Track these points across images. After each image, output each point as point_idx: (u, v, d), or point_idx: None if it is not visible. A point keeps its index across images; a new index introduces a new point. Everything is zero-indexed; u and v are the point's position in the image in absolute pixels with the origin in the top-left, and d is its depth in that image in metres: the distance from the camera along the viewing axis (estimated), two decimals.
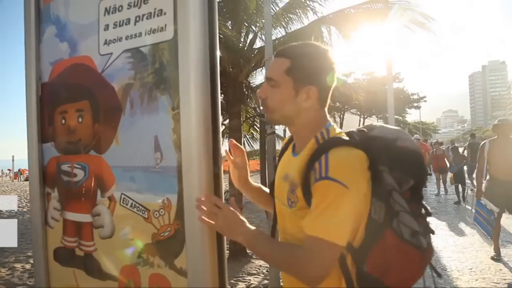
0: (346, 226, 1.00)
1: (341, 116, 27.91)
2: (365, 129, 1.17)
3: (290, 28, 5.38)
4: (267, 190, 1.47)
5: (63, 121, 1.54)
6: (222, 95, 5.40)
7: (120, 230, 1.39)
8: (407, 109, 35.85)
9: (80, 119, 1.48)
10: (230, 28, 5.34)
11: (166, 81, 1.27)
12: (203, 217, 1.15)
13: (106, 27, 1.40)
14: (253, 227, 1.15)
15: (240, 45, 5.40)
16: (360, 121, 28.08)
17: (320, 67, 1.12)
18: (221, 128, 1.38)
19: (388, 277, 1.02)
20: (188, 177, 1.21)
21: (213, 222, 1.14)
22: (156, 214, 1.29)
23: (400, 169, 1.05)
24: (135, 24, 1.33)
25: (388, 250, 1.01)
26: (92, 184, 1.45)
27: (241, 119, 6.02)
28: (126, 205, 1.36)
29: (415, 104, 35.52)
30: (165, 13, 1.26)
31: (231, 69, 5.25)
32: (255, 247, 1.14)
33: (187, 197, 1.21)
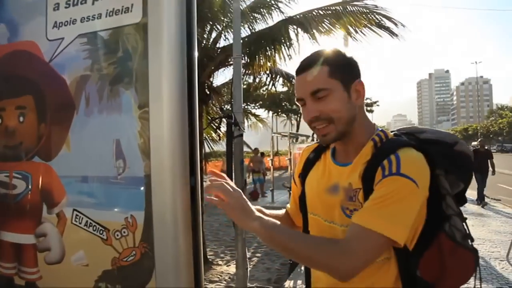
0: (409, 226, 0.95)
1: (298, 119, 28.93)
2: (413, 133, 1.14)
3: (255, 28, 5.27)
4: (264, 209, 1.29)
5: (0, 121, 1.32)
6: None
7: (71, 254, 1.19)
8: None
9: (21, 118, 1.28)
10: None
11: (131, 73, 1.10)
12: (212, 196, 0.99)
13: (56, 7, 1.21)
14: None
15: (204, 42, 5.21)
16: None
17: (353, 60, 1.07)
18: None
19: (442, 281, 1.04)
20: (158, 190, 1.04)
21: (225, 200, 0.98)
22: (118, 235, 1.12)
23: (454, 173, 1.09)
24: (93, 3, 1.15)
25: (444, 253, 1.04)
26: (36, 198, 1.25)
27: (203, 120, 5.82)
28: (80, 223, 1.17)
29: (368, 108, 37.13)
30: None
31: None
32: (276, 236, 0.97)
33: (157, 214, 1.04)
